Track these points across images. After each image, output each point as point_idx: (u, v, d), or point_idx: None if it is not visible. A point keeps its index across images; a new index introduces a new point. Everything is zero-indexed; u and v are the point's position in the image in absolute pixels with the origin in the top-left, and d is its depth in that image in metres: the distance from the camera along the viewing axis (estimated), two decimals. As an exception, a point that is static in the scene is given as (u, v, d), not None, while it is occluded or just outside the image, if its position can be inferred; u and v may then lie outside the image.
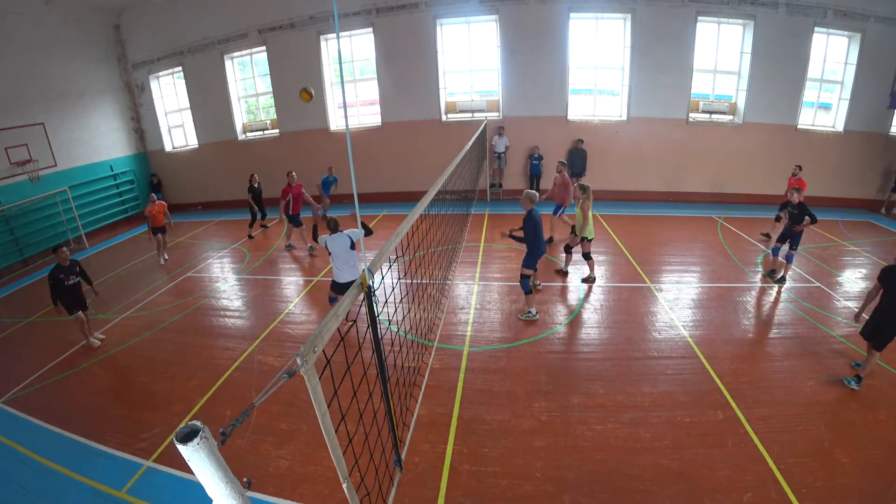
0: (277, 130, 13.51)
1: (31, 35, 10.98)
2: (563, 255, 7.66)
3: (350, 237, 5.67)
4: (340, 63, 3.12)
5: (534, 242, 6.02)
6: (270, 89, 13.22)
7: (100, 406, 5.20)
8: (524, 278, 6.19)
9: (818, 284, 7.19)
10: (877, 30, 10.64)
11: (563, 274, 7.64)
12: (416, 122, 12.53)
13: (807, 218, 6.75)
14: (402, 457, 2.90)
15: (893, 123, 11.31)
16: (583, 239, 7.06)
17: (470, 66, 12.40)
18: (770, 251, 7.15)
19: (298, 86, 6.17)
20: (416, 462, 3.96)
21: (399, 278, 5.98)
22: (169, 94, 14.33)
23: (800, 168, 8.94)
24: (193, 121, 14.06)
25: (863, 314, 4.82)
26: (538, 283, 7.17)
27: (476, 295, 7.13)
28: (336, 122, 13.16)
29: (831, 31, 10.93)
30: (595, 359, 5.42)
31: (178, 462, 3.84)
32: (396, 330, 4.80)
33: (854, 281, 7.36)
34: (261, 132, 13.92)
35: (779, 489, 3.57)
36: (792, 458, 3.86)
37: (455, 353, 5.60)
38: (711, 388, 4.80)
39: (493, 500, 3.61)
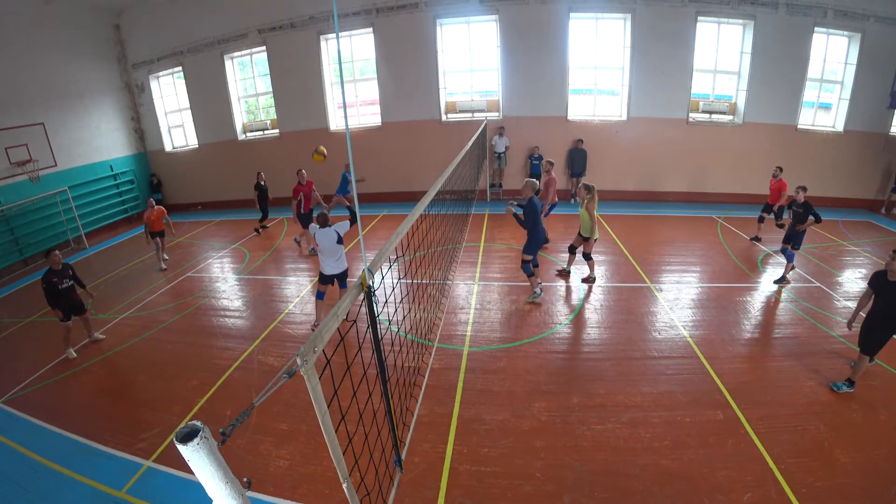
0: (277, 130, 13.51)
1: (31, 35, 10.98)
2: (568, 255, 7.64)
3: (337, 231, 5.87)
4: (340, 63, 3.11)
5: (533, 228, 6.34)
6: (270, 89, 13.22)
7: (100, 406, 5.20)
8: (525, 263, 6.59)
9: (818, 284, 7.19)
10: (877, 30, 10.64)
11: (566, 274, 7.62)
12: (416, 122, 12.53)
13: (811, 217, 6.75)
14: (402, 457, 2.90)
15: (893, 123, 11.31)
16: (587, 238, 7.06)
17: (470, 66, 12.40)
18: (782, 252, 7.14)
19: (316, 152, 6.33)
20: (416, 462, 3.96)
21: (399, 278, 5.98)
22: (169, 94, 14.33)
23: (780, 169, 8.93)
24: (193, 121, 14.06)
25: (853, 323, 4.73)
26: (541, 291, 7.00)
27: (476, 295, 7.13)
28: (336, 122, 13.16)
29: (831, 31, 10.93)
30: (595, 359, 5.42)
31: (178, 462, 3.84)
32: (396, 330, 4.80)
33: (854, 281, 7.36)
34: (261, 132, 13.92)
35: (779, 489, 3.57)
36: (792, 458, 3.86)
37: (455, 353, 5.60)
38: (711, 388, 4.80)
39: (493, 500, 3.61)
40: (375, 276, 2.15)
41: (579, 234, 7.22)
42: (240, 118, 13.91)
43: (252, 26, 12.53)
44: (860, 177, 11.69)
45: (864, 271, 7.75)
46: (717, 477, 3.71)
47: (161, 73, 13.95)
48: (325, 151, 6.62)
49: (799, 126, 11.51)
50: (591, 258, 7.27)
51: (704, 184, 12.12)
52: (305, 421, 4.52)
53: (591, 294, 7.06)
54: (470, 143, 7.53)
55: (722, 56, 11.48)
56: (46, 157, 11.31)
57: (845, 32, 10.96)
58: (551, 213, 8.69)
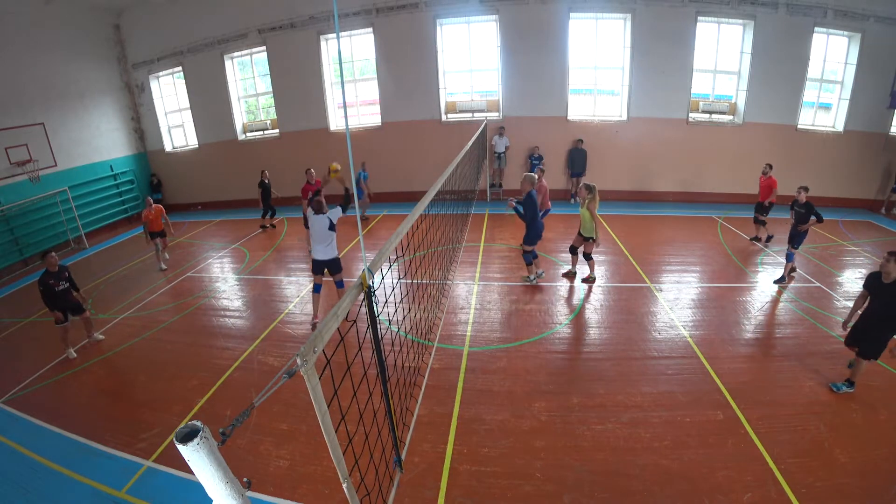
0: (277, 130, 13.51)
1: (31, 35, 10.98)
2: (570, 256, 7.63)
3: (330, 218, 5.98)
4: (340, 63, 3.12)
5: (532, 221, 6.84)
6: (270, 89, 13.22)
7: (100, 406, 5.20)
8: (525, 253, 7.15)
9: (818, 284, 7.19)
10: (877, 30, 10.64)
11: (572, 275, 7.61)
12: (416, 122, 12.53)
13: (812, 217, 6.75)
14: (402, 457, 2.90)
15: (893, 123, 11.31)
16: (589, 238, 7.05)
17: (470, 66, 12.40)
18: (786, 256, 7.15)
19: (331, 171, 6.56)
20: (416, 462, 3.96)
21: (399, 278, 5.98)
22: (169, 94, 14.33)
23: (770, 167, 8.93)
24: (193, 121, 14.06)
25: (849, 324, 4.71)
26: (541, 272, 7.56)
27: (476, 295, 7.13)
28: (336, 122, 13.16)
29: (831, 31, 10.94)
30: (595, 359, 5.42)
31: (178, 462, 3.83)
32: (396, 330, 4.80)
33: (854, 281, 7.36)
34: (261, 132, 13.92)
35: (779, 489, 3.57)
36: (792, 458, 3.86)
37: (455, 353, 5.61)
38: (711, 388, 4.80)
39: (493, 500, 3.61)
40: (375, 276, 2.15)
41: (579, 234, 7.21)
42: (240, 118, 13.91)
43: (252, 26, 12.53)
44: (860, 177, 11.68)
45: (864, 271, 7.74)
46: (717, 477, 3.71)
47: (161, 73, 13.96)
48: (339, 166, 6.85)
49: (799, 126, 11.51)
50: (591, 258, 7.27)
51: (704, 184, 12.12)
52: (305, 421, 4.52)
53: (592, 294, 7.06)
54: (470, 143, 7.53)
55: (722, 56, 11.48)
56: (46, 157, 11.31)
57: (845, 32, 10.96)
58: (545, 217, 8.70)
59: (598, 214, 7.07)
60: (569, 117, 12.03)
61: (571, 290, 7.26)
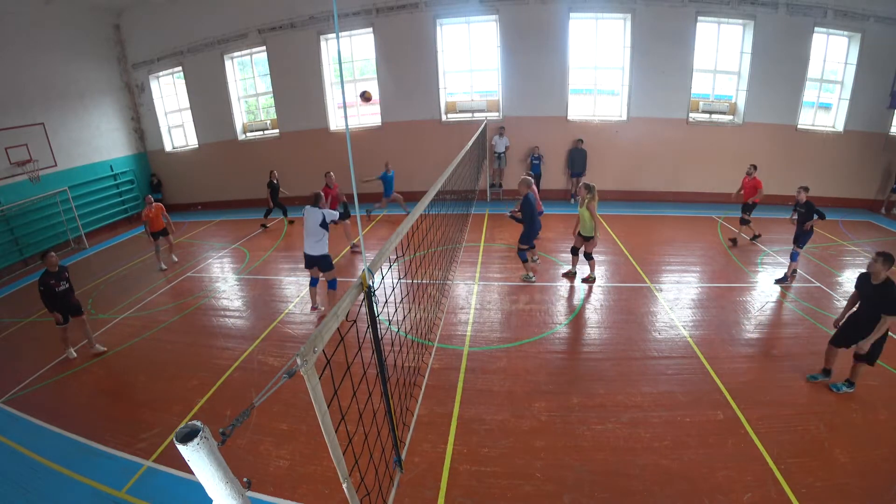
0: (277, 130, 13.51)
1: (31, 35, 10.98)
2: (571, 256, 7.64)
3: (324, 214, 5.99)
4: (340, 63, 3.12)
5: (530, 221, 7.07)
6: (270, 89, 13.22)
7: (100, 406, 5.20)
8: (521, 251, 7.33)
9: (818, 284, 7.19)
10: (877, 30, 10.64)
11: (572, 275, 7.61)
12: (416, 122, 12.53)
13: (815, 216, 6.76)
14: (402, 457, 2.90)
15: (893, 123, 11.31)
16: (589, 237, 7.05)
17: (470, 66, 12.40)
18: (791, 255, 7.16)
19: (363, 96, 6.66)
20: (416, 462, 3.96)
21: (399, 278, 5.97)
22: (169, 94, 14.33)
23: (755, 167, 8.93)
24: (193, 121, 14.06)
25: (840, 322, 4.69)
26: (536, 258, 7.93)
27: (476, 295, 7.13)
28: (336, 122, 13.16)
29: (831, 31, 10.93)
30: (595, 359, 5.42)
31: (178, 462, 3.83)
32: (396, 330, 4.80)
33: (854, 281, 7.33)
34: (261, 132, 13.92)
35: (779, 489, 3.57)
36: (792, 458, 3.86)
37: (455, 353, 5.61)
38: (711, 388, 4.80)
39: (493, 500, 3.61)
40: (375, 276, 2.15)
41: (579, 234, 7.22)
42: (240, 118, 13.91)
43: (252, 26, 12.53)
44: (860, 177, 11.68)
45: (864, 271, 7.73)
46: (717, 477, 3.71)
47: (161, 73, 13.95)
48: (368, 94, 7.00)
49: (799, 126, 11.51)
50: (591, 258, 7.27)
51: (704, 184, 12.11)
52: (305, 421, 4.52)
53: (592, 294, 7.06)
54: (470, 143, 7.53)
55: (722, 56, 11.47)
56: (46, 157, 11.31)
57: (845, 32, 10.96)
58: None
59: (599, 214, 7.09)
60: (569, 117, 12.03)
61: (571, 290, 7.26)
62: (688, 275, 7.74)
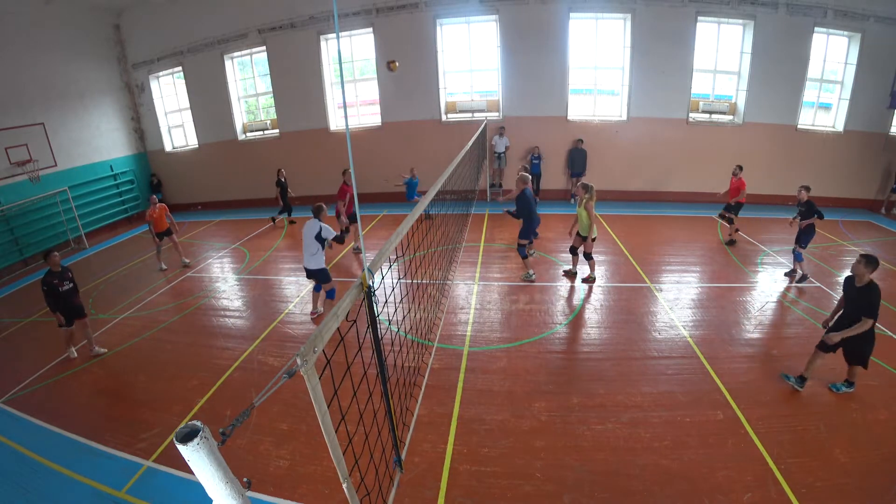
0: (277, 130, 13.51)
1: (31, 35, 10.98)
2: (571, 256, 7.64)
3: (321, 226, 5.95)
4: (340, 63, 3.12)
5: (528, 217, 7.13)
6: (270, 89, 13.22)
7: (100, 406, 5.20)
8: (520, 246, 7.39)
9: (818, 284, 7.19)
10: (877, 30, 10.64)
11: (573, 275, 7.62)
12: (416, 122, 12.53)
13: (815, 216, 6.79)
14: (402, 457, 2.90)
15: (893, 123, 11.31)
16: (586, 238, 7.06)
17: (470, 66, 12.40)
18: (794, 255, 7.18)
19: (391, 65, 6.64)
20: (416, 462, 3.96)
21: (399, 278, 5.98)
22: (169, 94, 14.33)
23: (740, 168, 8.98)
24: (193, 121, 14.06)
25: (829, 324, 4.65)
26: (533, 251, 7.96)
27: (476, 295, 7.13)
28: (336, 122, 13.16)
29: (831, 31, 10.93)
30: (595, 359, 5.42)
31: (178, 462, 3.84)
32: (396, 330, 4.80)
33: (854, 281, 7.35)
34: (261, 132, 13.92)
35: (779, 489, 3.57)
36: (792, 458, 3.86)
37: (455, 353, 5.61)
38: (711, 388, 4.80)
39: (493, 500, 3.61)
40: (375, 276, 2.15)
41: (578, 234, 7.22)
42: (240, 118, 13.91)
43: (252, 26, 12.53)
44: (860, 177, 11.68)
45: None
46: (717, 477, 3.71)
47: (161, 73, 13.95)
48: (395, 64, 7.06)
49: (799, 126, 11.51)
50: (591, 258, 7.27)
51: (704, 184, 12.09)
52: (305, 421, 4.52)
53: (592, 294, 7.06)
54: (470, 143, 7.53)
55: (722, 56, 11.47)
56: (46, 157, 11.31)
57: (845, 32, 10.96)
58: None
59: (598, 214, 7.10)
60: (569, 117, 12.03)
61: (571, 289, 7.26)
62: (688, 275, 7.74)
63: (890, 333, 5.71)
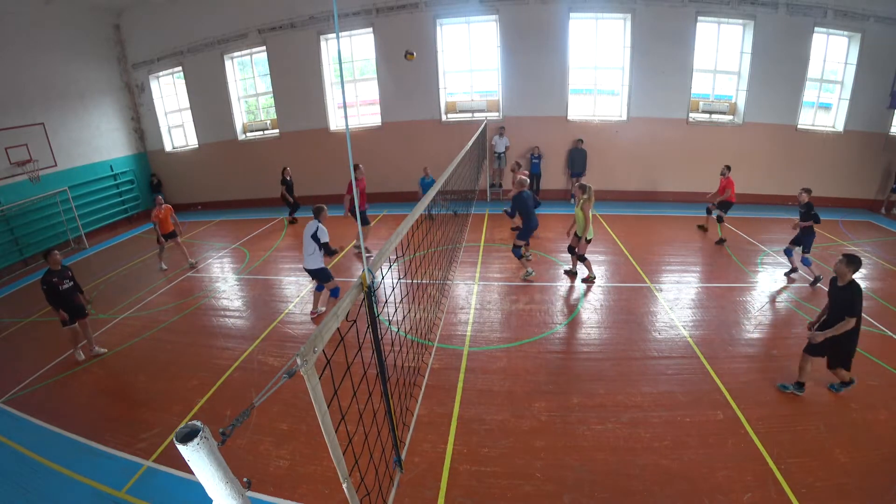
0: (277, 130, 13.51)
1: (31, 35, 10.98)
2: (570, 256, 7.64)
3: (318, 227, 5.98)
4: (340, 63, 3.12)
5: (527, 218, 7.18)
6: (270, 89, 13.22)
7: (100, 406, 5.20)
8: (516, 247, 7.42)
9: (818, 285, 7.19)
10: (877, 30, 10.64)
11: (573, 274, 7.63)
12: (416, 122, 12.53)
13: (810, 219, 6.80)
14: (402, 457, 2.90)
15: (893, 123, 11.31)
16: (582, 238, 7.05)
17: (470, 66, 12.40)
18: (803, 261, 7.18)
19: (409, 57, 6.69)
20: (416, 462, 3.96)
21: (399, 278, 5.98)
22: (169, 94, 14.33)
23: (728, 168, 9.10)
24: (193, 121, 14.06)
25: (815, 326, 4.59)
26: (529, 254, 7.99)
27: (476, 295, 7.13)
28: (336, 122, 13.16)
29: (831, 31, 10.94)
30: (595, 359, 5.42)
31: (178, 462, 3.83)
32: (396, 330, 4.80)
33: (854, 281, 7.35)
34: (261, 132, 13.92)
35: (779, 489, 3.57)
36: (792, 458, 3.86)
37: (455, 353, 5.61)
38: (711, 388, 4.80)
39: (493, 500, 3.61)
40: (375, 276, 2.15)
41: (575, 234, 7.23)
42: (240, 118, 13.91)
43: (252, 26, 12.53)
44: (860, 177, 11.69)
45: (863, 272, 7.74)
46: (717, 477, 3.71)
47: (161, 73, 13.95)
48: (412, 54, 7.04)
49: (799, 126, 11.51)
50: (585, 259, 7.26)
51: (704, 184, 12.08)
52: (305, 421, 4.52)
53: (591, 294, 7.06)
54: (470, 143, 7.53)
55: (722, 56, 11.48)
56: (46, 157, 11.31)
57: (845, 32, 10.96)
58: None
59: (598, 214, 7.12)
60: (569, 117, 12.03)
61: (571, 289, 7.26)
62: (688, 275, 7.74)
63: (890, 333, 5.71)
